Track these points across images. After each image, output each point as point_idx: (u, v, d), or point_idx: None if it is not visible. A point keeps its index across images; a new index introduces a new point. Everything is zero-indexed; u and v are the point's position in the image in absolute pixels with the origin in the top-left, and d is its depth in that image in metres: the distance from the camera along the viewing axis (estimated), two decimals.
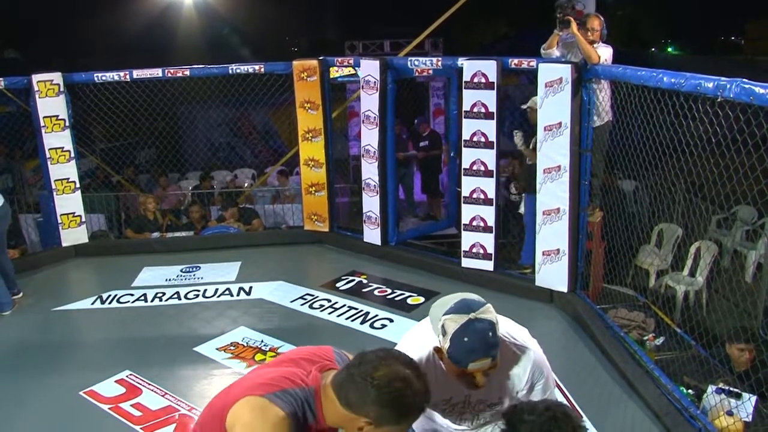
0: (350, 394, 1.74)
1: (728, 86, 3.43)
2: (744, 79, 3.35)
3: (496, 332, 1.98)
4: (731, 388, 4.04)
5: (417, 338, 2.24)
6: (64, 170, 7.26)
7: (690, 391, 4.25)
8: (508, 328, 2.22)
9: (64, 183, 7.29)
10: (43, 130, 7.09)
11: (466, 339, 1.94)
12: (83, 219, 7.50)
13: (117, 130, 8.70)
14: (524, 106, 6.06)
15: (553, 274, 5.66)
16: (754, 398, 3.91)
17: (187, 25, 17.52)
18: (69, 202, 7.36)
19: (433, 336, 2.08)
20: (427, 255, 6.80)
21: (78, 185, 7.38)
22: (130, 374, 4.72)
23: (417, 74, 6.63)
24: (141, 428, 4.08)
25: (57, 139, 7.17)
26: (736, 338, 4.42)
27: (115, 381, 4.65)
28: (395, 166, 7.04)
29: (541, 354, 2.26)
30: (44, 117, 7.06)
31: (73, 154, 7.28)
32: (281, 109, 10.61)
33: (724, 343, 4.53)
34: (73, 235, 7.45)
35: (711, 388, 4.06)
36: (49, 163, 7.17)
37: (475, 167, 6.03)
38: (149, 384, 4.59)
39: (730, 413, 3.79)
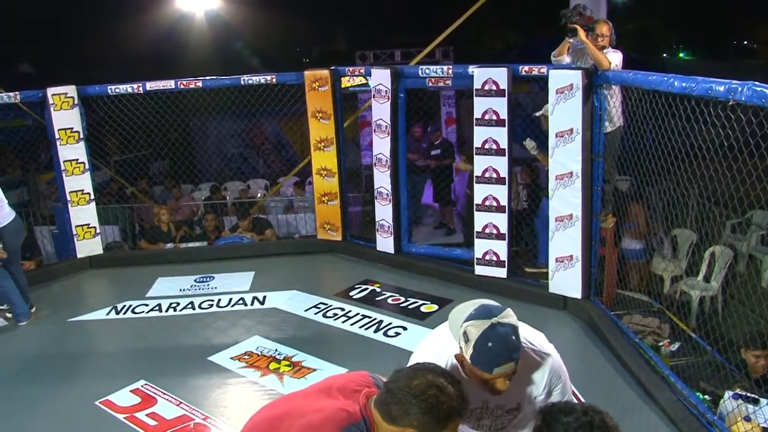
0: (392, 408, 1.84)
1: (740, 89, 3.42)
2: (756, 82, 3.34)
3: (518, 336, 2.01)
4: (748, 394, 4.01)
5: (434, 345, 2.25)
6: (78, 182, 7.33)
7: (706, 396, 4.21)
8: (526, 334, 2.22)
9: (79, 195, 7.36)
10: (58, 143, 7.17)
11: (490, 344, 1.95)
12: (98, 230, 7.56)
13: (130, 142, 8.78)
14: (537, 114, 6.06)
15: (566, 280, 5.64)
16: None
17: (198, 37, 17.65)
18: (83, 214, 7.42)
19: (450, 342, 2.09)
20: (440, 263, 6.79)
21: (92, 197, 7.45)
22: (146, 384, 4.75)
23: (430, 84, 6.63)
24: None
25: (71, 152, 7.25)
26: (752, 344, 4.38)
27: (131, 391, 4.68)
28: (406, 174, 7.06)
29: (559, 359, 2.26)
30: (59, 129, 7.15)
31: (87, 166, 7.35)
32: (293, 120, 10.66)
33: (740, 348, 4.49)
34: (88, 247, 7.52)
35: (728, 394, 4.02)
36: (63, 175, 7.25)
37: (487, 174, 6.03)
38: (164, 393, 4.61)
39: (747, 419, 3.75)
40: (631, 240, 6.26)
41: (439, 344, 2.21)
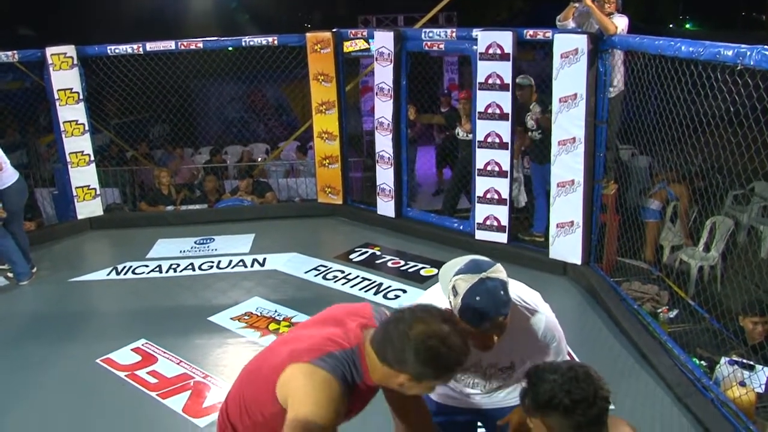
0: (389, 352, 1.76)
1: (749, 53, 3.37)
2: (765, 46, 3.30)
3: (507, 291, 1.98)
4: (744, 360, 4.03)
5: (427, 301, 2.24)
6: (78, 143, 7.30)
7: (703, 362, 4.24)
8: (520, 292, 2.21)
9: (79, 156, 7.34)
10: (57, 103, 7.13)
11: (477, 298, 1.93)
12: (98, 192, 7.56)
13: (130, 105, 8.72)
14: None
15: (566, 246, 5.64)
16: (767, 369, 3.90)
17: (200, 2, 17.44)
18: (84, 175, 7.41)
19: (443, 300, 2.08)
20: (440, 227, 6.79)
21: (92, 158, 7.42)
22: (146, 343, 4.79)
23: (434, 48, 6.56)
24: (157, 395, 4.15)
25: (71, 112, 7.21)
26: (750, 310, 4.39)
27: (132, 349, 4.72)
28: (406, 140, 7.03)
29: (553, 318, 2.24)
30: (58, 90, 7.10)
31: (87, 128, 7.32)
32: (294, 83, 10.57)
33: (737, 316, 4.50)
34: (88, 208, 7.52)
35: (724, 360, 4.04)
36: (63, 136, 7.22)
37: (489, 139, 6.00)
38: (165, 352, 4.64)
39: (742, 384, 3.77)
40: (651, 200, 6.26)
41: (433, 302, 2.21)
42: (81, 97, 7.21)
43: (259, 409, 1.89)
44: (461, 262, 2.02)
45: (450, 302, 2.00)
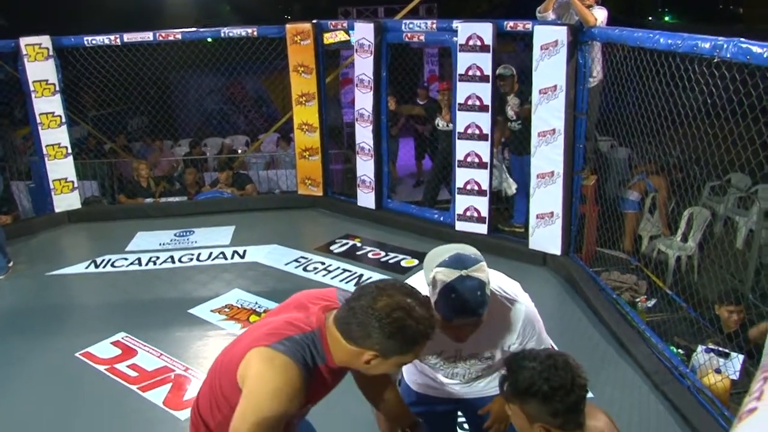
0: (353, 328, 1.73)
1: (725, 46, 3.41)
2: (742, 39, 3.33)
3: (485, 291, 1.96)
4: (720, 348, 4.09)
5: None
6: (55, 135, 7.21)
7: (680, 350, 4.30)
8: (500, 282, 2.21)
9: (56, 148, 7.25)
10: (32, 95, 7.03)
11: (453, 295, 1.92)
12: (76, 185, 7.47)
13: (108, 97, 8.61)
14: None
15: (546, 237, 5.68)
16: (741, 357, 3.97)
17: None
18: (61, 168, 7.32)
19: (424, 287, 2.08)
20: (420, 218, 6.81)
21: (69, 151, 7.33)
22: (126, 336, 4.75)
23: (407, 39, 6.56)
24: (137, 388, 4.12)
25: (47, 104, 7.11)
26: (726, 299, 4.46)
27: (111, 343, 4.68)
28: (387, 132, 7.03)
29: (533, 308, 2.25)
30: (33, 81, 7.00)
31: (64, 119, 7.23)
32: (274, 75, 10.51)
33: (714, 305, 4.57)
34: (66, 201, 7.43)
35: (700, 348, 4.11)
36: (39, 128, 7.12)
37: (469, 131, 6.01)
38: (144, 345, 4.62)
39: (718, 371, 3.84)
40: (631, 191, 6.31)
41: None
42: (57, 88, 7.12)
43: (227, 401, 1.87)
44: (446, 253, 2.01)
45: (429, 292, 2.01)
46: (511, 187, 6.57)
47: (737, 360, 3.94)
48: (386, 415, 2.22)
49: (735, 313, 4.38)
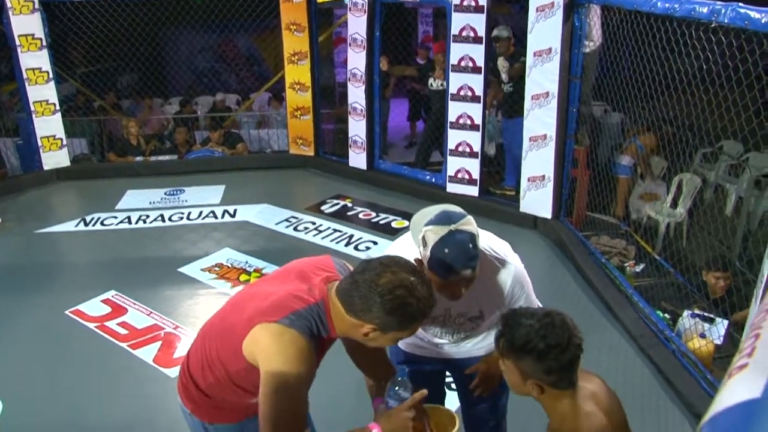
0: (355, 301, 1.75)
1: (723, 11, 3.37)
2: (740, 3, 3.29)
3: (476, 244, 1.97)
4: (705, 313, 4.13)
5: (398, 251, 2.23)
6: (42, 92, 7.10)
7: (666, 315, 4.34)
8: (490, 242, 2.21)
9: (44, 105, 7.15)
10: (18, 50, 6.89)
11: (446, 250, 1.92)
12: (64, 142, 7.40)
13: (96, 54, 8.47)
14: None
15: (537, 200, 5.69)
16: (726, 322, 4.01)
17: None
18: (49, 125, 7.23)
19: (413, 249, 2.08)
20: (412, 179, 6.80)
21: (58, 107, 7.24)
22: (116, 294, 4.76)
23: None
24: (127, 345, 4.14)
25: (34, 59, 6.98)
26: (714, 265, 4.49)
27: (101, 301, 4.69)
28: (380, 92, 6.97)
29: (522, 268, 2.25)
30: (19, 35, 6.86)
31: (51, 76, 7.11)
32: (266, 33, 10.35)
33: (701, 271, 4.60)
34: (55, 159, 7.36)
35: (686, 313, 4.15)
36: (26, 84, 7.01)
37: (462, 92, 5.97)
38: (134, 303, 4.63)
39: (702, 336, 3.88)
40: (630, 157, 6.27)
41: (403, 250, 2.20)
42: (44, 43, 6.99)
43: (222, 366, 1.89)
44: (432, 212, 2.00)
45: (420, 252, 2.00)
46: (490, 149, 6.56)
47: (722, 325, 3.99)
48: (373, 378, 2.24)
49: (722, 279, 4.41)
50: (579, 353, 1.71)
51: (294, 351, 1.73)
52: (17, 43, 6.86)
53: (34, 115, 7.12)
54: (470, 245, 1.95)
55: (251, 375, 1.79)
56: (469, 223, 1.98)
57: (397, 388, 1.98)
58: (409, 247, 2.13)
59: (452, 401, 2.84)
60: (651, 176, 6.35)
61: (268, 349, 1.75)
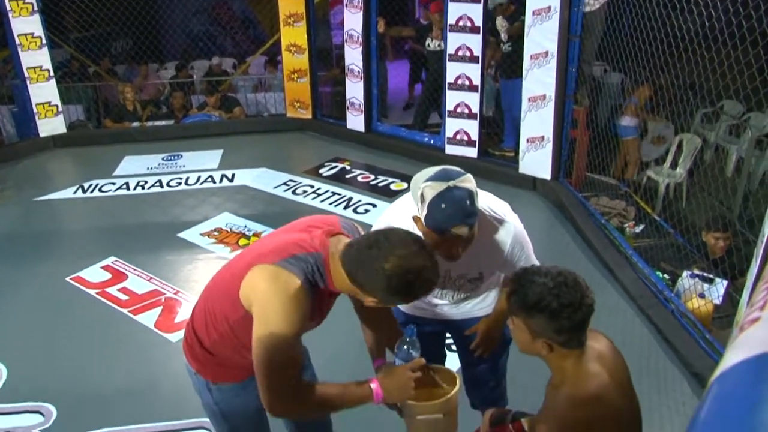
0: (359, 276, 1.73)
1: None
2: None
3: (474, 201, 1.95)
4: (705, 273, 4.14)
5: (397, 211, 2.22)
6: (36, 58, 7.02)
7: (666, 275, 4.34)
8: (489, 202, 2.19)
9: (38, 71, 7.07)
10: (10, 15, 6.79)
11: (443, 206, 1.91)
12: (60, 109, 7.34)
13: (90, 18, 8.35)
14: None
15: (536, 161, 5.66)
16: (725, 282, 4.01)
17: None
18: (44, 91, 7.17)
19: (412, 208, 2.07)
20: (410, 141, 6.76)
21: (52, 73, 7.16)
22: (116, 260, 4.76)
23: None
24: (128, 311, 4.16)
25: (26, 25, 6.89)
26: (714, 226, 4.48)
27: (101, 267, 4.69)
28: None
29: (522, 229, 2.24)
30: (10, 0, 6.74)
31: (44, 41, 7.02)
32: None
33: (701, 231, 4.59)
34: (51, 125, 7.31)
35: (686, 273, 4.15)
36: (19, 50, 6.92)
37: (460, 53, 5.89)
38: (135, 269, 4.63)
39: (702, 296, 3.89)
40: (630, 117, 6.20)
41: (402, 210, 2.19)
42: (36, 8, 6.89)
43: (224, 318, 1.89)
44: (432, 170, 2.00)
45: (418, 209, 1.99)
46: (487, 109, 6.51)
47: (721, 285, 3.99)
48: (376, 332, 2.24)
49: (721, 239, 4.40)
50: (590, 313, 1.70)
51: (289, 294, 1.72)
52: (8, 8, 6.76)
53: (28, 82, 7.06)
54: (467, 202, 1.93)
55: (250, 326, 1.78)
56: (468, 181, 1.96)
57: (405, 347, 1.98)
58: (409, 206, 2.12)
59: (452, 363, 2.86)
60: (654, 120, 6.26)
61: (262, 291, 1.75)
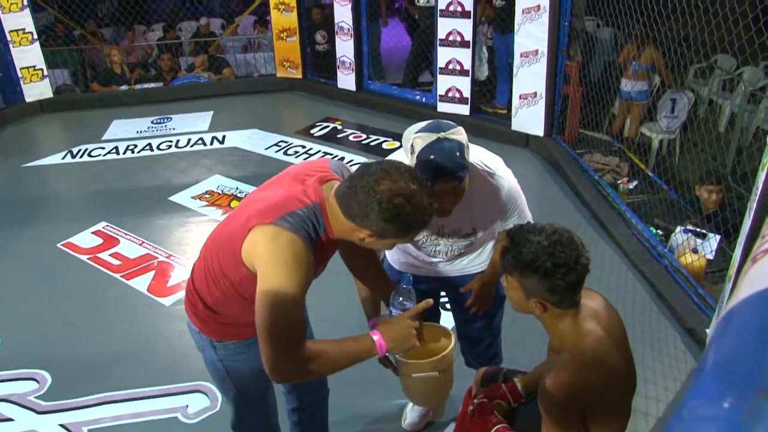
0: (353, 206, 1.70)
1: None
2: None
3: (464, 153, 1.92)
4: (698, 229, 4.13)
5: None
6: (17, 20, 6.87)
7: (659, 231, 4.34)
8: (482, 156, 2.16)
9: (20, 34, 6.92)
10: None
11: (432, 156, 1.88)
12: (45, 73, 7.21)
13: None
14: None
15: (529, 117, 5.61)
16: (718, 237, 4.01)
17: None
18: (28, 55, 7.03)
19: (405, 161, 2.03)
20: (402, 100, 6.69)
21: (35, 36, 7.01)
22: (107, 225, 4.72)
23: None
24: (120, 276, 4.14)
25: None
26: (707, 179, 4.47)
27: (92, 232, 4.65)
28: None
29: (515, 183, 2.21)
30: None
31: (26, 2, 6.86)
32: None
33: (694, 186, 4.58)
34: (37, 90, 7.19)
35: (679, 228, 4.15)
36: (0, 12, 6.75)
37: (451, 8, 5.79)
38: (126, 234, 4.60)
39: (695, 251, 3.89)
40: (637, 81, 6.09)
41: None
42: None
43: (226, 277, 1.87)
44: (424, 123, 1.97)
45: (408, 160, 1.96)
46: (483, 73, 6.43)
47: (714, 240, 3.99)
48: (367, 285, 2.23)
49: (714, 192, 4.40)
50: (585, 273, 1.67)
51: (291, 254, 1.69)
52: None
53: (11, 46, 6.91)
54: (458, 153, 1.90)
55: (254, 283, 1.75)
56: (459, 133, 1.93)
57: (401, 298, 1.96)
58: (401, 160, 2.09)
59: (447, 322, 2.86)
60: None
61: (264, 253, 1.72)
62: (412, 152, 1.92)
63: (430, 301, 1.90)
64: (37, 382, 3.25)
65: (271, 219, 1.73)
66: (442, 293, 2.64)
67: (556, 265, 1.63)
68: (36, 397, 3.16)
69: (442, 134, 1.90)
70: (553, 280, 1.64)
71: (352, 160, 5.64)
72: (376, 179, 1.67)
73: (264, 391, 2.22)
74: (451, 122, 1.98)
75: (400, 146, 2.09)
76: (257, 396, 2.21)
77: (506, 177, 2.17)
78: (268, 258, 1.71)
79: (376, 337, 1.81)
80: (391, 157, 2.24)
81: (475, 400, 2.09)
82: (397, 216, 1.67)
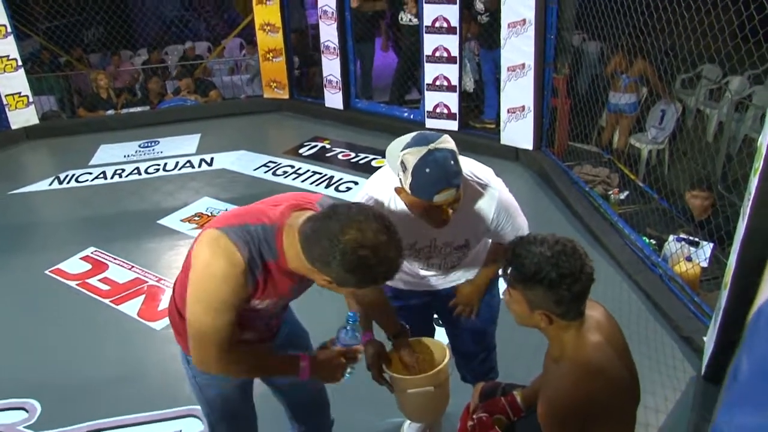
0: (315, 250, 1.62)
1: None
2: None
3: (457, 160, 1.89)
4: (691, 237, 4.13)
5: (377, 185, 2.14)
6: (2, 47, 6.84)
7: (652, 241, 4.33)
8: (472, 168, 2.13)
9: (5, 61, 6.89)
10: None
11: (427, 170, 1.84)
12: (31, 99, 7.17)
13: (60, 7, 8.17)
14: None
15: (518, 131, 5.61)
16: (711, 245, 4.01)
17: None
18: (12, 82, 7.00)
19: (391, 180, 2.00)
20: (390, 117, 6.69)
21: (20, 63, 6.98)
22: (95, 251, 4.67)
23: None
24: (110, 301, 4.08)
25: None
26: (698, 185, 4.47)
27: (81, 258, 4.60)
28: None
29: (507, 194, 2.18)
30: None
31: (9, 29, 6.84)
32: None
33: (684, 195, 4.58)
34: (22, 117, 7.15)
35: (672, 237, 4.14)
36: None
37: (437, 24, 5.81)
38: (115, 259, 4.54)
39: (689, 259, 3.88)
40: (625, 94, 6.10)
41: (380, 183, 2.12)
42: None
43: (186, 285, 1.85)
44: (408, 137, 1.94)
45: (400, 180, 1.93)
46: (467, 86, 6.46)
47: (707, 248, 3.99)
48: (359, 302, 2.18)
49: (705, 199, 4.40)
50: (590, 283, 1.64)
51: (224, 262, 1.66)
52: None
53: None
54: (451, 162, 1.87)
55: None
56: (448, 141, 1.90)
57: (343, 334, 1.92)
58: (388, 179, 2.06)
59: (442, 337, 2.82)
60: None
61: (201, 252, 1.71)
62: (404, 170, 1.88)
63: (361, 349, 1.96)
64: (27, 411, 3.18)
65: (221, 225, 1.72)
66: (435, 315, 2.61)
67: (561, 275, 1.59)
68: (26, 427, 3.09)
69: (432, 146, 1.87)
70: (559, 291, 1.60)
71: (341, 179, 5.62)
72: (342, 226, 1.58)
73: (236, 412, 2.18)
74: (435, 132, 1.95)
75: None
76: (228, 415, 2.18)
77: (497, 187, 2.14)
78: (202, 259, 1.70)
79: (303, 363, 1.86)
80: (376, 175, 2.20)
81: (475, 416, 2.05)
82: (359, 267, 1.59)
